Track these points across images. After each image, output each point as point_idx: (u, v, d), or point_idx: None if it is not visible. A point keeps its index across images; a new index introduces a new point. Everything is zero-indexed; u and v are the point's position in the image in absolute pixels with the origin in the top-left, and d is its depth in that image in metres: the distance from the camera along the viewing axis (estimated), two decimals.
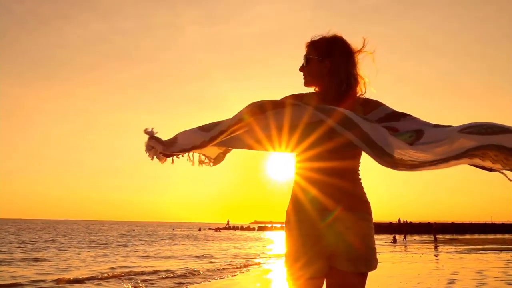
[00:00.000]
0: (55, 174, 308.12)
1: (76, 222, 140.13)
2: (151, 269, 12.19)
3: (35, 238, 30.82)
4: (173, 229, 77.24)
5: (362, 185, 1.81)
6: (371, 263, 1.73)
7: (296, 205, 1.80)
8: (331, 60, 1.80)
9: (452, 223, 69.52)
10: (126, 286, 9.00)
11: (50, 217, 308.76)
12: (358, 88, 1.82)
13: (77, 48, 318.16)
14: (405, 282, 8.42)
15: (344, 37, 1.85)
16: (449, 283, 8.35)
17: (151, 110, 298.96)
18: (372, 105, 1.79)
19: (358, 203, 1.76)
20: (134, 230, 62.58)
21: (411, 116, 1.73)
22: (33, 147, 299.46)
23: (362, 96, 1.83)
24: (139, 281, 9.81)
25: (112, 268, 12.47)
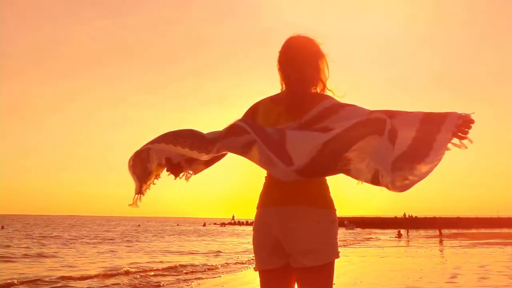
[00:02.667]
0: (61, 170, 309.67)
1: (82, 218, 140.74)
2: (163, 265, 12.12)
3: (41, 234, 31.04)
4: (177, 224, 77.52)
5: (324, 180, 1.82)
6: (322, 257, 1.71)
7: (260, 201, 1.84)
8: (280, 59, 1.87)
9: (458, 218, 69.34)
10: (136, 282, 9.06)
11: (56, 213, 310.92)
12: (318, 88, 1.85)
13: (81, 44, 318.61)
14: (407, 277, 8.45)
15: (313, 35, 1.86)
16: (451, 277, 8.37)
17: (157, 105, 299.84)
18: (316, 101, 1.78)
19: (313, 198, 1.75)
20: (139, 225, 62.84)
21: (353, 106, 1.73)
22: (39, 144, 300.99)
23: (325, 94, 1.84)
24: (149, 277, 9.86)
25: (120, 264, 12.51)
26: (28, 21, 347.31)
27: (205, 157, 1.73)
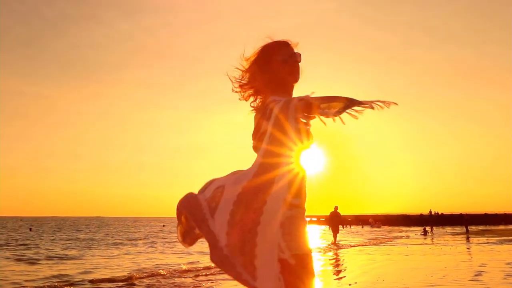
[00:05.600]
0: (87, 173, 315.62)
1: (108, 219, 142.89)
2: (191, 266, 12.09)
3: (68, 235, 31.69)
4: None
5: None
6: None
7: None
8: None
9: (485, 214, 67.87)
10: (162, 284, 9.19)
11: (83, 215, 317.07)
12: (265, 96, 1.85)
13: (104, 48, 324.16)
14: (430, 275, 8.37)
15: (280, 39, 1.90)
16: (476, 275, 8.25)
17: (179, 106, 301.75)
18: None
19: None
20: (164, 226, 63.42)
21: (276, 103, 1.72)
22: (66, 146, 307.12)
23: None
24: (175, 277, 9.97)
25: (145, 265, 12.65)
26: (55, 27, 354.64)
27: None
